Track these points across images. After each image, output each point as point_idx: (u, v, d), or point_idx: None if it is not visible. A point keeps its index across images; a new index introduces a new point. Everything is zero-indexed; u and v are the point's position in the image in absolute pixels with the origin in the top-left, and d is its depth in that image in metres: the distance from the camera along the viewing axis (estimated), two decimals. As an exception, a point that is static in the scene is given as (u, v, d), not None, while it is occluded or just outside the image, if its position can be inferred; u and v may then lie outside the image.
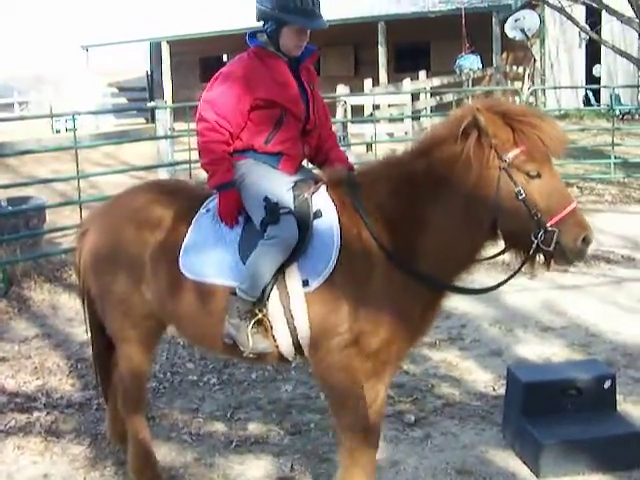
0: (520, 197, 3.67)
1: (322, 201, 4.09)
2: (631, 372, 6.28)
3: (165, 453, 5.15)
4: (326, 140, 4.53)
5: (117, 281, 4.51)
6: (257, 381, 6.32)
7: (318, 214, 4.05)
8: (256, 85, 4.15)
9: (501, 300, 8.22)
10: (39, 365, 6.83)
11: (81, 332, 7.54)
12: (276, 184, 4.14)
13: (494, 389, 6.03)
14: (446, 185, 3.82)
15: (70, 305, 8.52)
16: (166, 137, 11.87)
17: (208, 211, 4.32)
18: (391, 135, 18.25)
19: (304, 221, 4.03)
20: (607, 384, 5.15)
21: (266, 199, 4.05)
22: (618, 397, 5.32)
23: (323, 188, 4.16)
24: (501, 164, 3.68)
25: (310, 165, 4.63)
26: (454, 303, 7.92)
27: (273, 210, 4.01)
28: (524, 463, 4.91)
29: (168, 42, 30.34)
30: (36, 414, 5.82)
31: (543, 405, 5.06)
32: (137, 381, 4.70)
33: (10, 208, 10.08)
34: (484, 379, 6.25)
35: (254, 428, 5.51)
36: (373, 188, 4.04)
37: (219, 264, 4.16)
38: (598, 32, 19.63)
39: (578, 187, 14.58)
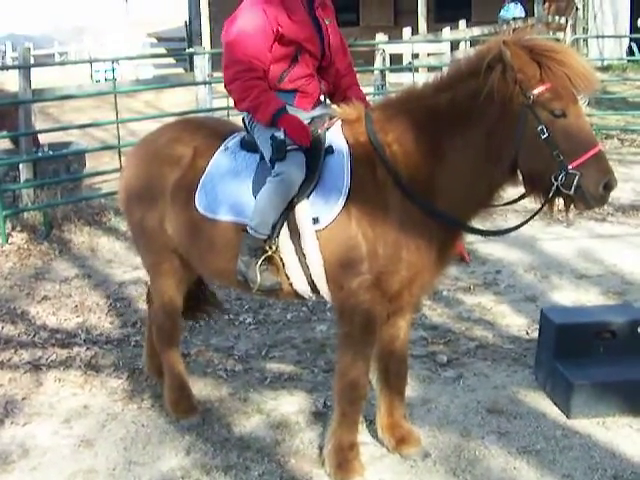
0: (542, 136, 3.57)
1: (335, 137, 4.06)
2: (665, 318, 6.25)
3: (201, 388, 5.26)
4: (344, 76, 4.46)
5: (146, 217, 4.59)
6: (292, 321, 6.41)
7: (330, 150, 4.02)
8: (276, 22, 4.11)
9: (537, 247, 8.22)
10: (79, 304, 6.97)
11: (120, 273, 7.71)
12: None
13: (527, 333, 6.05)
14: (468, 120, 3.76)
15: (109, 247, 8.69)
16: (204, 83, 11.87)
17: (227, 149, 4.33)
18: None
19: (316, 157, 4.01)
20: (640, 328, 5.16)
21: (272, 136, 4.02)
22: (651, 342, 5.32)
23: (338, 124, 4.12)
24: (525, 100, 3.59)
25: (329, 102, 4.55)
26: (489, 249, 7.96)
27: (280, 147, 3.98)
28: (555, 404, 4.95)
29: (207, -9, 30.20)
30: (76, 349, 5.96)
31: (575, 347, 5.08)
32: (170, 315, 4.80)
33: (51, 152, 10.21)
34: (518, 323, 6.28)
35: (288, 366, 5.60)
36: (392, 122, 3.98)
37: (233, 202, 4.18)
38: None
39: (619, 139, 14.39)
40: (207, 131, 4.59)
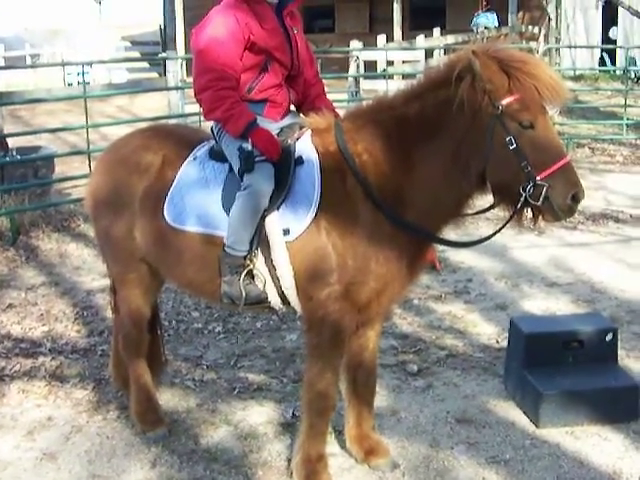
0: (511, 147, 3.56)
1: (305, 147, 4.01)
2: (635, 328, 6.28)
3: (168, 398, 5.19)
4: (312, 86, 4.42)
5: (113, 225, 4.52)
6: (262, 330, 6.36)
7: (300, 160, 3.97)
8: (248, 29, 4.05)
9: (508, 256, 8.22)
10: (45, 312, 6.88)
11: (88, 280, 7.63)
12: None
13: (497, 342, 6.04)
14: (438, 130, 3.74)
15: (77, 254, 8.58)
16: (177, 88, 11.84)
17: (196, 158, 4.28)
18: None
19: (285, 168, 3.96)
20: (609, 337, 5.15)
21: (240, 148, 3.98)
22: (620, 352, 5.32)
23: (307, 134, 4.08)
24: (494, 111, 3.57)
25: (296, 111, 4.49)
26: (460, 257, 7.95)
27: (247, 158, 3.93)
28: (524, 413, 4.93)
29: (182, -4, 30.12)
30: (41, 359, 5.88)
31: (545, 357, 5.07)
32: (137, 325, 4.73)
33: (19, 157, 10.10)
34: (488, 332, 6.27)
35: (257, 375, 5.55)
36: (361, 132, 3.95)
37: (202, 213, 4.13)
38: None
39: (590, 147, 14.51)
40: (176, 139, 4.53)
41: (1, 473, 4.43)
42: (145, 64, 30.98)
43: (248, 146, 3.96)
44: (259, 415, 4.99)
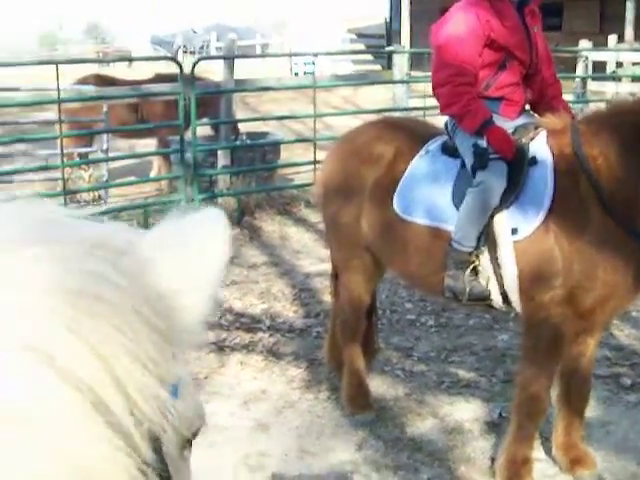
0: None
1: (539, 148, 3.98)
2: None
3: (377, 385, 5.30)
4: (549, 86, 4.40)
5: (341, 212, 4.67)
6: (474, 327, 6.36)
7: (533, 161, 3.95)
8: (488, 27, 4.08)
9: None
10: (265, 290, 7.18)
11: (306, 264, 7.87)
12: None
13: None
14: None
15: (297, 238, 8.88)
16: (402, 82, 11.93)
17: (427, 152, 4.35)
18: (633, 95, 17.36)
19: (518, 167, 3.95)
20: None
21: (475, 144, 4.01)
22: None
23: (542, 134, 4.05)
24: None
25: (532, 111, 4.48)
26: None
27: (482, 155, 3.96)
28: None
29: (409, -10, 30.27)
30: (259, 335, 6.15)
31: None
32: (356, 311, 4.86)
33: (249, 141, 10.54)
34: None
35: (466, 372, 5.57)
36: (598, 136, 3.87)
37: (431, 206, 4.20)
38: None
39: None
40: (409, 132, 4.63)
41: (218, 436, 4.69)
42: (369, 56, 31.38)
43: (483, 143, 3.99)
44: (466, 411, 5.01)
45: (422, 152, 4.36)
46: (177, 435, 0.78)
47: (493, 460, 4.36)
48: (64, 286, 0.66)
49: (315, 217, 8.99)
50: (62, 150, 8.85)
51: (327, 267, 6.95)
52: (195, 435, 0.87)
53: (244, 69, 21.26)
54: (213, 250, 0.85)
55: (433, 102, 9.61)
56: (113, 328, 0.67)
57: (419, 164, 4.33)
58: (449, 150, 4.28)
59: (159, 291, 0.77)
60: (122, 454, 0.65)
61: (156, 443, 0.72)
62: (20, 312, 0.64)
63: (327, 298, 6.34)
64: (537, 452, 4.45)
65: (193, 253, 0.82)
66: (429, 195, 4.22)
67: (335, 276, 5.05)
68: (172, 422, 0.76)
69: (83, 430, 0.63)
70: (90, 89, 10.49)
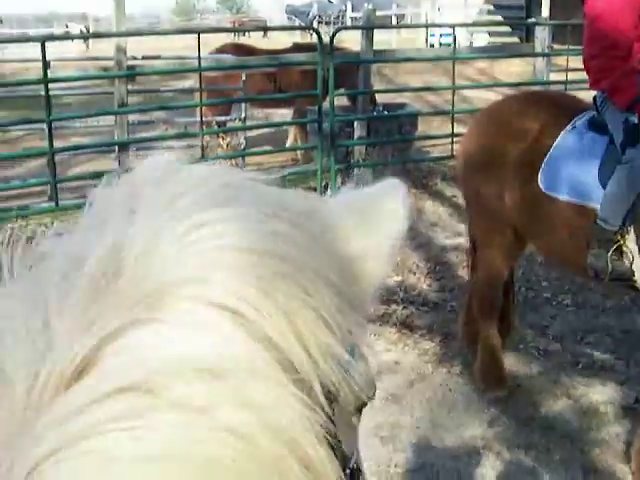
0: None
1: None
2: None
3: (511, 363, 5.26)
4: None
5: (484, 186, 4.63)
6: (611, 309, 6.22)
7: None
8: None
9: None
10: (400, 263, 7.18)
11: (442, 237, 7.85)
12: None
13: None
14: None
15: (433, 211, 8.83)
16: (544, 55, 11.64)
17: (574, 128, 4.25)
18: None
19: None
20: None
21: (626, 120, 3.91)
22: None
23: None
24: None
25: None
26: None
27: (632, 132, 3.86)
28: None
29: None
30: (393, 307, 6.17)
31: None
32: (494, 287, 4.83)
33: (386, 113, 10.52)
34: None
35: (602, 354, 5.46)
36: None
37: (577, 183, 4.12)
38: None
39: None
40: (555, 107, 4.54)
41: (352, 406, 4.76)
42: (506, 28, 30.76)
43: (634, 119, 3.88)
44: (600, 394, 4.92)
45: (569, 127, 4.28)
46: (350, 400, 0.81)
47: (628, 445, 4.28)
48: (251, 246, 0.68)
49: (451, 191, 8.92)
50: (202, 118, 9.06)
51: (463, 241, 6.93)
52: (365, 404, 0.89)
53: (379, 40, 21.20)
54: (393, 219, 0.86)
55: (575, 77, 9.41)
56: (299, 288, 0.68)
57: (566, 140, 4.25)
58: (597, 126, 4.18)
59: (342, 256, 0.78)
60: (308, 411, 0.67)
61: (333, 405, 0.73)
62: (211, 271, 0.66)
63: (462, 272, 6.32)
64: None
65: (375, 221, 0.84)
66: (575, 172, 4.14)
67: (473, 251, 5.02)
68: (349, 385, 0.78)
69: (272, 386, 0.65)
70: (229, 58, 10.68)
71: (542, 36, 11.69)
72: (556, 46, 13.71)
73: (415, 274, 6.92)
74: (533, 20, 14.18)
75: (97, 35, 21.23)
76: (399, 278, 6.80)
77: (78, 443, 0.59)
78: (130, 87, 9.71)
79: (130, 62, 9.78)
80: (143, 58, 11.19)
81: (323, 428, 0.68)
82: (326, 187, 9.08)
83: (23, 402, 0.61)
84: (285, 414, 0.65)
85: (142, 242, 0.67)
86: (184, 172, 0.77)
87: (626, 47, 3.99)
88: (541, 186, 4.27)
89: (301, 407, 0.66)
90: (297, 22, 39.92)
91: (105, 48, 17.83)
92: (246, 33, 32.59)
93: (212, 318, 0.65)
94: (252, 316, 0.66)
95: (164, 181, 0.75)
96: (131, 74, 9.65)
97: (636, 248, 3.94)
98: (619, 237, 3.95)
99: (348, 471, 0.77)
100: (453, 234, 7.88)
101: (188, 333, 0.64)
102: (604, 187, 3.97)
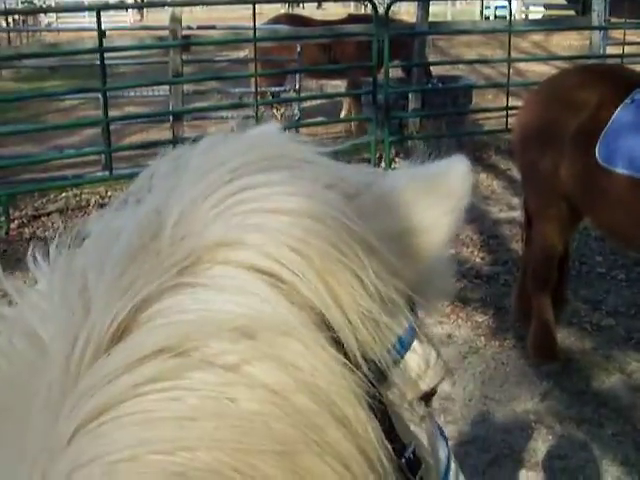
0: None
1: None
2: None
3: (564, 337, 5.24)
4: None
5: (540, 158, 4.61)
6: (666, 284, 6.17)
7: None
8: None
9: None
10: (453, 236, 7.15)
11: (496, 211, 7.81)
12: None
13: None
14: None
15: (487, 184, 8.77)
16: (600, 28, 11.44)
17: (633, 101, 4.22)
18: None
19: None
20: None
21: None
22: None
23: None
24: None
25: None
26: None
27: None
28: None
29: None
30: (448, 280, 6.16)
31: None
32: (548, 260, 4.81)
33: (440, 85, 10.44)
34: None
35: (656, 330, 5.42)
36: None
37: (634, 156, 4.10)
38: None
39: None
40: (613, 80, 4.51)
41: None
42: (562, 1, 30.25)
43: None
44: (655, 370, 4.90)
45: (627, 101, 4.25)
46: (403, 382, 0.80)
47: (681, 423, 4.26)
48: (289, 207, 0.70)
49: (505, 164, 8.86)
50: (256, 88, 9.07)
51: (516, 215, 6.89)
52: (431, 393, 0.88)
53: (434, 11, 20.99)
54: (455, 195, 0.87)
55: (632, 50, 9.25)
56: (334, 248, 0.69)
57: (624, 113, 4.22)
58: None
59: (395, 226, 0.80)
60: (347, 370, 0.67)
61: (379, 377, 0.73)
62: (246, 232, 0.68)
63: (516, 246, 6.29)
64: None
65: (436, 196, 0.85)
66: (633, 145, 4.12)
67: (528, 224, 5.00)
68: (396, 363, 0.78)
69: (306, 345, 0.66)
70: (284, 29, 10.66)
71: (599, 9, 11.47)
72: (613, 19, 13.47)
73: (468, 247, 6.91)
74: (591, -9, 13.93)
75: (151, 4, 21.27)
76: (452, 251, 6.76)
77: (120, 405, 0.61)
78: (185, 57, 9.74)
79: (185, 32, 9.83)
80: (198, 28, 11.24)
81: (363, 390, 0.69)
82: (380, 159, 9.07)
83: (62, 369, 0.63)
84: (320, 372, 0.66)
85: (182, 206, 0.69)
86: (233, 140, 0.79)
87: None
88: (598, 159, 4.24)
89: (337, 366, 0.67)
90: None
91: (160, 18, 17.91)
92: (300, 4, 32.36)
93: (245, 280, 0.67)
94: (286, 276, 0.67)
95: (211, 149, 0.77)
96: (186, 44, 9.69)
97: None
98: None
99: (404, 460, 0.77)
100: (507, 207, 7.83)
101: (221, 296, 0.66)
102: None
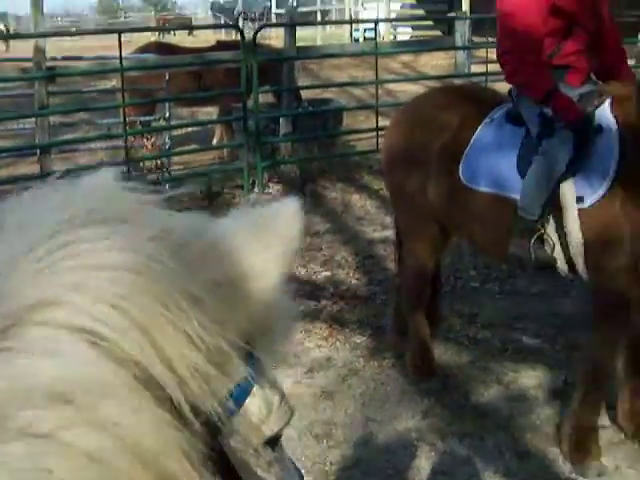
0: None
1: (604, 115, 3.92)
2: None
3: (441, 352, 5.30)
4: (613, 53, 4.33)
5: (407, 179, 4.67)
6: (537, 295, 6.30)
7: (599, 129, 3.89)
8: None
9: None
10: (329, 258, 7.19)
11: (370, 231, 7.88)
12: None
13: None
14: None
15: (360, 205, 8.84)
16: (464, 48, 11.77)
17: (493, 120, 4.32)
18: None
19: (584, 135, 3.90)
20: None
21: (540, 113, 3.99)
22: None
23: (607, 102, 3.97)
24: None
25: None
26: None
27: (547, 123, 3.93)
28: None
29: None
30: (323, 302, 6.17)
31: None
32: (420, 279, 4.86)
33: (311, 108, 10.52)
34: None
35: (530, 339, 5.54)
36: None
37: (496, 175, 4.18)
38: None
39: None
40: (474, 100, 4.61)
41: (284, 405, 4.75)
42: (428, 22, 31.05)
43: (548, 111, 3.95)
44: (530, 378, 4.99)
45: (487, 120, 4.34)
46: (245, 430, 0.79)
47: (559, 427, 4.34)
48: (108, 263, 0.67)
49: (377, 184, 8.95)
50: (125, 119, 8.94)
51: (390, 234, 6.96)
52: (276, 438, 0.86)
53: (304, 35, 21.23)
54: (285, 238, 0.86)
55: (495, 68, 9.51)
56: (157, 303, 0.67)
57: (484, 132, 4.31)
58: (514, 118, 4.25)
59: (222, 273, 0.77)
60: (172, 428, 0.66)
61: (213, 429, 0.73)
62: (64, 291, 0.65)
63: (391, 265, 6.34)
64: (602, 419, 4.42)
65: (266, 240, 0.83)
66: (494, 163, 4.21)
67: (399, 243, 5.06)
68: (234, 412, 0.77)
69: (128, 406, 0.63)
70: (152, 57, 10.56)
71: (462, 30, 11.82)
72: (476, 39, 13.88)
73: (344, 269, 6.93)
74: (453, 14, 14.33)
75: (15, 36, 20.85)
76: (328, 273, 6.81)
77: None
78: (50, 88, 9.51)
79: (50, 63, 9.60)
80: (63, 59, 11.01)
81: (194, 444, 0.67)
82: (253, 184, 9.05)
83: None
84: (143, 431, 0.63)
85: (1, 264, 0.66)
86: (58, 193, 0.75)
87: (537, 42, 4.05)
88: (462, 178, 4.31)
89: (162, 424, 0.65)
90: (222, 19, 39.69)
91: (26, 48, 17.53)
92: (171, 31, 32.25)
93: (64, 342, 0.63)
94: (106, 334, 0.64)
95: (34, 203, 0.74)
96: (50, 75, 9.44)
97: (556, 236, 4.01)
98: (540, 226, 4.01)
99: None
100: (381, 227, 7.91)
101: (37, 360, 0.62)
102: (523, 177, 4.03)
